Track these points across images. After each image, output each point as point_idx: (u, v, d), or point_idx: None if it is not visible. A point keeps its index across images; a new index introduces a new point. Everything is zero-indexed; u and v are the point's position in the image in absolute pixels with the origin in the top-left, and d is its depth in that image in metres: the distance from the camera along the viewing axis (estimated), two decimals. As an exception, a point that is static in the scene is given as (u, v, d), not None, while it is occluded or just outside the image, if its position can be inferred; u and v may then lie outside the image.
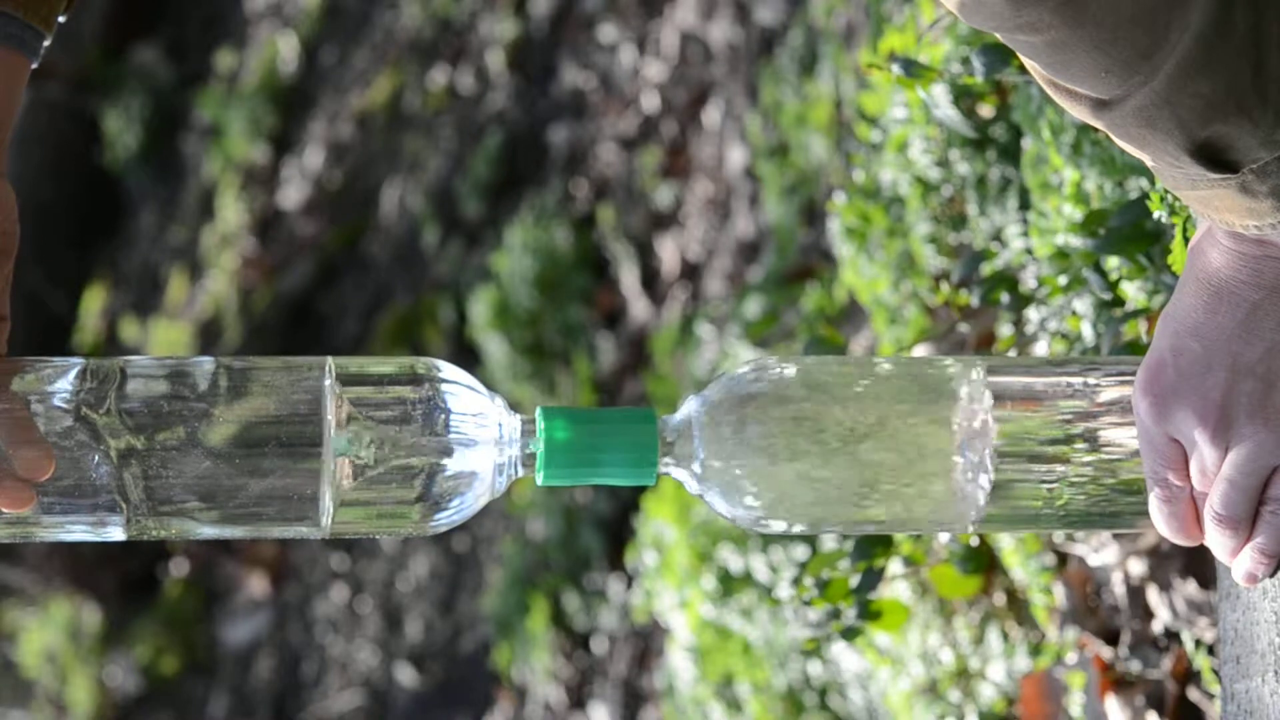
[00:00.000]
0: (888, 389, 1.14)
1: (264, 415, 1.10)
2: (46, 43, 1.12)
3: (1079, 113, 1.03)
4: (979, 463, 1.13)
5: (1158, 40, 0.97)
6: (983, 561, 1.63)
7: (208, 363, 1.11)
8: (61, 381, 1.09)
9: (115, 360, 1.10)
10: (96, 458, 1.08)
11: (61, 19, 1.13)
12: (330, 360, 1.12)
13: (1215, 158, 1.02)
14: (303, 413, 1.10)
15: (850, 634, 1.54)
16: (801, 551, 2.00)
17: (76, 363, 1.10)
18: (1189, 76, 0.98)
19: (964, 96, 1.58)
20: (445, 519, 1.13)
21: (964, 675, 1.65)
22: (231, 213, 5.45)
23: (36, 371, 1.10)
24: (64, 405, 1.08)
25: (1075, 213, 1.42)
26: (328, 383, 1.11)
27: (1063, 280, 1.43)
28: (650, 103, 3.51)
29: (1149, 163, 1.05)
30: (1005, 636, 1.62)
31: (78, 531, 1.09)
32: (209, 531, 1.10)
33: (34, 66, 1.12)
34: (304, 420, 1.10)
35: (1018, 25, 0.97)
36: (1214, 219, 1.05)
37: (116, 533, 1.09)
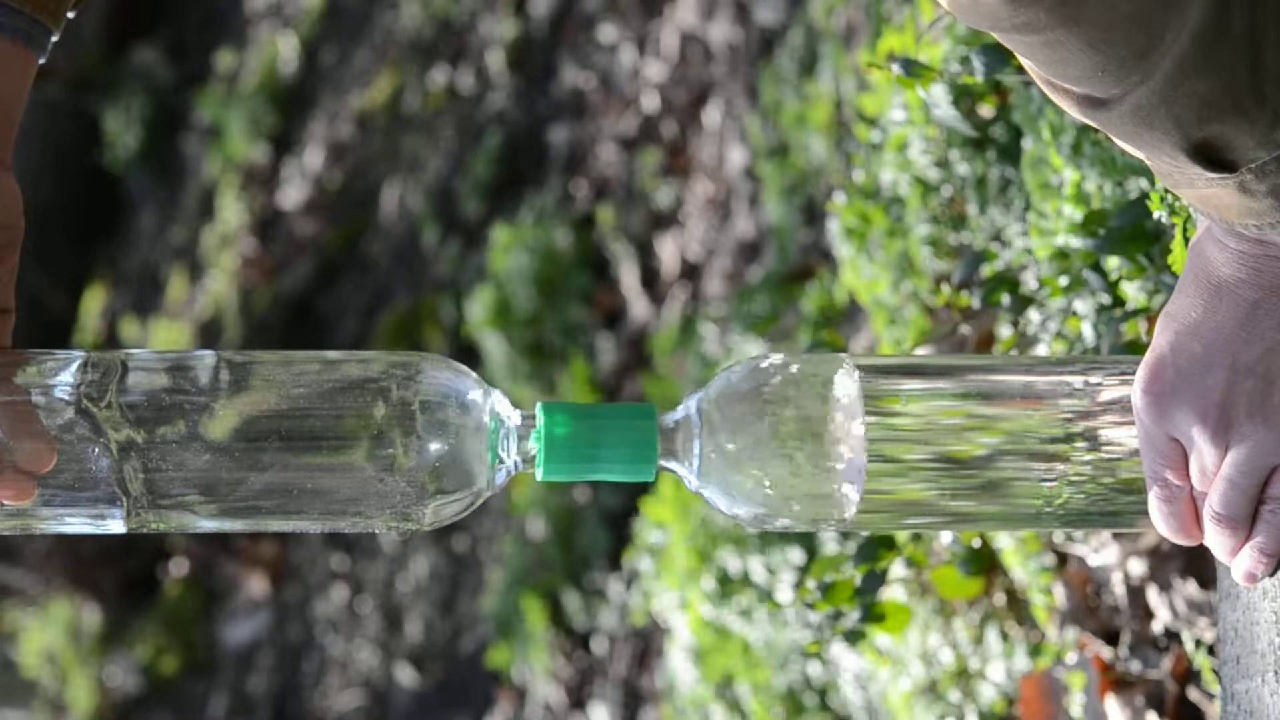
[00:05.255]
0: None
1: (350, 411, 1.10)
2: (54, 38, 1.11)
3: (1076, 112, 1.03)
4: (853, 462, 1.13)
5: (1154, 40, 0.97)
6: (984, 562, 1.62)
7: (209, 356, 1.11)
8: (63, 374, 1.09)
9: (117, 353, 1.10)
10: (97, 450, 1.07)
11: (70, 14, 1.12)
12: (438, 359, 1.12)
13: (1213, 157, 1.01)
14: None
15: (853, 637, 1.54)
16: (800, 554, 2.00)
17: (78, 355, 1.10)
18: (1186, 76, 0.98)
19: (964, 96, 1.58)
20: (445, 514, 1.13)
21: (964, 675, 1.65)
22: (231, 213, 5.45)
23: (39, 364, 1.10)
24: (65, 397, 1.08)
25: (1075, 213, 1.42)
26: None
27: (1063, 281, 1.43)
28: (650, 103, 3.51)
29: (1147, 161, 1.05)
30: (1005, 637, 1.62)
31: (77, 523, 1.09)
32: (209, 525, 1.10)
33: (41, 62, 1.11)
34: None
35: (1014, 25, 0.97)
36: (1213, 218, 1.05)
37: (116, 525, 1.09)
